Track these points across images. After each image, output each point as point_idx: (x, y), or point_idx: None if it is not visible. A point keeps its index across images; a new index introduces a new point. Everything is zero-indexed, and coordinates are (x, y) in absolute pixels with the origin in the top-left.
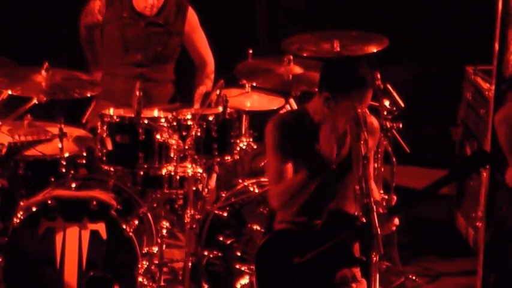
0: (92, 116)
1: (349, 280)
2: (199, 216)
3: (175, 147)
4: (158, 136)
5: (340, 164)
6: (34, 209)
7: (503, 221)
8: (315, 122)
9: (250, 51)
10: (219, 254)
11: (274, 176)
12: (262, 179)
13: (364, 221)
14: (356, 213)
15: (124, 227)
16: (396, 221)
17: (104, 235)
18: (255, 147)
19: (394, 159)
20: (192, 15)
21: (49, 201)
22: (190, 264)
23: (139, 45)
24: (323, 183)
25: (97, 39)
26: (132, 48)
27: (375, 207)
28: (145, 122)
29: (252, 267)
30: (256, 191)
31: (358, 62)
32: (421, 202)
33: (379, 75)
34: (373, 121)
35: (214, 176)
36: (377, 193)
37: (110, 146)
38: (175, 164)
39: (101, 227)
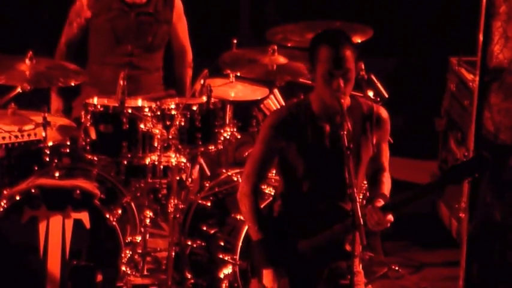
0: (77, 105)
1: (344, 271)
2: (182, 206)
3: (159, 136)
4: (142, 126)
5: (338, 156)
6: (17, 198)
7: (486, 212)
8: (314, 111)
9: (235, 41)
10: (203, 244)
11: (253, 164)
12: None
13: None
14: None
15: (107, 216)
16: (390, 217)
17: (88, 224)
18: (238, 137)
19: None
20: (178, 3)
21: (32, 190)
22: (173, 253)
23: (131, 37)
24: (320, 173)
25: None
26: (123, 40)
27: (358, 197)
28: (129, 111)
29: (235, 257)
30: (240, 180)
31: (330, 29)
32: (414, 202)
33: (363, 66)
34: (382, 112)
35: (197, 167)
36: (388, 186)
37: (93, 135)
38: (159, 153)
39: (84, 216)
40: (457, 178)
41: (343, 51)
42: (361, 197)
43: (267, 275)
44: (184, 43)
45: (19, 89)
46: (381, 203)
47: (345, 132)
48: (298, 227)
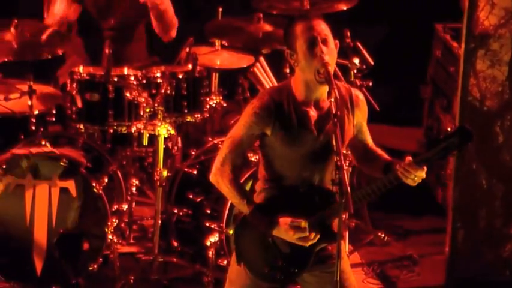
0: (62, 74)
1: (331, 254)
2: (169, 174)
3: (144, 105)
4: (128, 94)
5: (323, 141)
6: (4, 167)
7: (472, 179)
8: (296, 97)
9: (220, 9)
10: (189, 212)
11: (232, 148)
12: None
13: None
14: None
15: (93, 184)
16: (424, 171)
17: (74, 193)
18: (224, 105)
19: None
20: None
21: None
22: (159, 221)
23: (113, 11)
24: (305, 158)
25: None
26: (105, 14)
27: (345, 165)
28: (115, 79)
29: (221, 224)
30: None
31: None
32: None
33: (348, 33)
34: (358, 94)
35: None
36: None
37: (79, 104)
38: (144, 121)
39: (70, 185)
40: (442, 154)
41: (317, 21)
42: (346, 164)
43: (280, 230)
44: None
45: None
46: (410, 159)
47: (333, 100)
48: (282, 210)
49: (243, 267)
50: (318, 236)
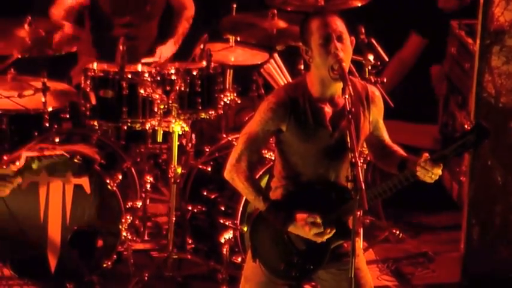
0: (76, 73)
1: (346, 250)
2: (183, 171)
3: (159, 101)
4: (142, 91)
5: (338, 138)
6: (18, 163)
7: (487, 175)
8: (311, 93)
9: (234, 6)
10: (203, 209)
11: (247, 144)
12: None
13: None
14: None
15: (108, 181)
16: (440, 169)
17: (88, 189)
18: (239, 101)
19: None
20: None
21: None
22: (174, 218)
23: (130, 7)
24: (320, 155)
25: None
26: (121, 11)
27: (360, 162)
28: (129, 76)
29: (236, 221)
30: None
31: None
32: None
33: (363, 30)
34: (374, 90)
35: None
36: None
37: (93, 101)
38: (159, 118)
39: (84, 182)
40: (458, 151)
41: (332, 17)
42: (361, 161)
43: (296, 226)
44: (184, 1)
45: (18, 55)
46: (427, 156)
47: (347, 96)
48: (299, 207)
49: (258, 264)
50: (334, 230)
